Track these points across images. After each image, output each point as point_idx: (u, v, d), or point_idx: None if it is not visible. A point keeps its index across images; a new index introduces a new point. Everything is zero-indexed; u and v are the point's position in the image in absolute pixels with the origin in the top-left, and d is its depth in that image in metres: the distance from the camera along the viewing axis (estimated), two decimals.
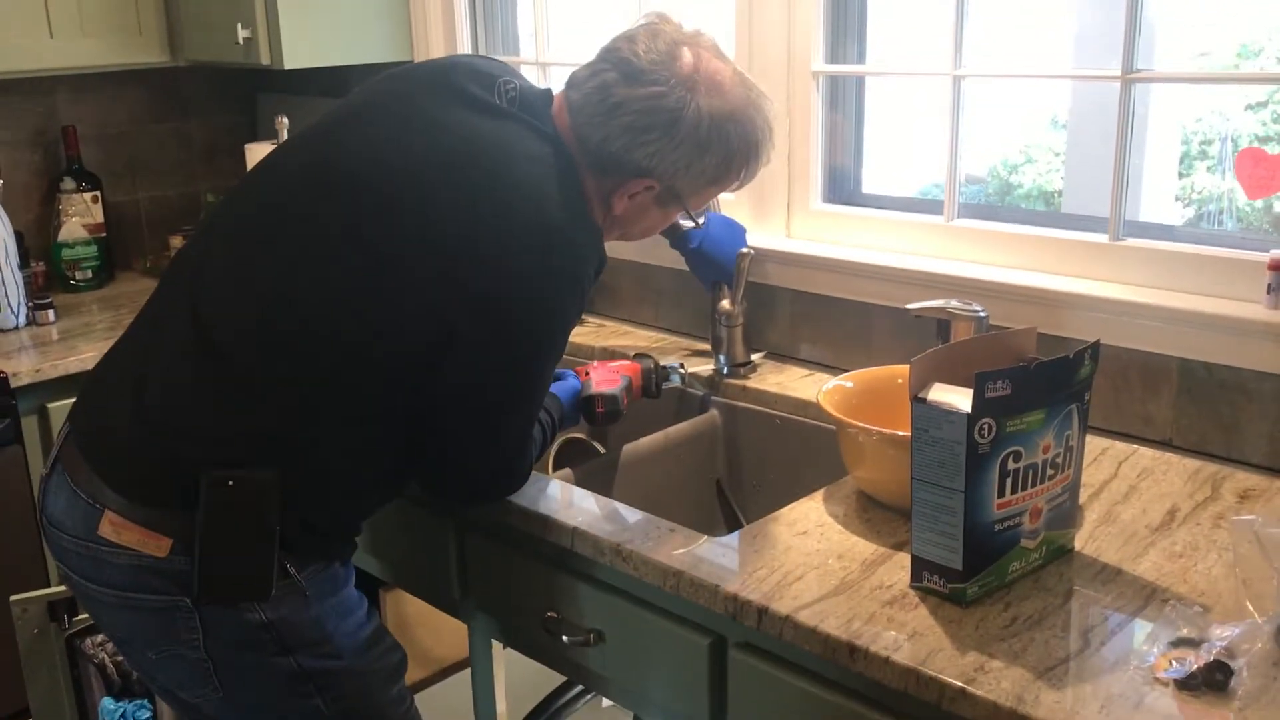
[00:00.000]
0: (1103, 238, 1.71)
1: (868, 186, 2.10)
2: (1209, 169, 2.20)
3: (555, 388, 1.70)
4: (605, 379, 1.77)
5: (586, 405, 1.73)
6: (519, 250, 1.34)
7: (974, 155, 2.30)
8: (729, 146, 1.44)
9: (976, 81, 1.89)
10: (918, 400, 1.22)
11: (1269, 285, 1.52)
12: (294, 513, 1.33)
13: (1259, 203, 1.71)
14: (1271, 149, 1.59)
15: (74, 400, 1.47)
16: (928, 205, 1.99)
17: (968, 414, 1.17)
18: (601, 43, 1.46)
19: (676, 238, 1.94)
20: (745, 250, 1.93)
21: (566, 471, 1.75)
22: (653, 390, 1.86)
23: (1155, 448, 1.63)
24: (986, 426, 1.18)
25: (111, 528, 1.31)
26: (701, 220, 1.63)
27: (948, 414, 1.19)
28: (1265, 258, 1.53)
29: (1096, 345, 1.28)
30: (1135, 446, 1.63)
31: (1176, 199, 2.25)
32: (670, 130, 1.40)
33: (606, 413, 1.74)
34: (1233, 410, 1.57)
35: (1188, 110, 2.25)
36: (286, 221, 1.39)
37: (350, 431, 1.37)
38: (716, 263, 1.95)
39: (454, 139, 1.38)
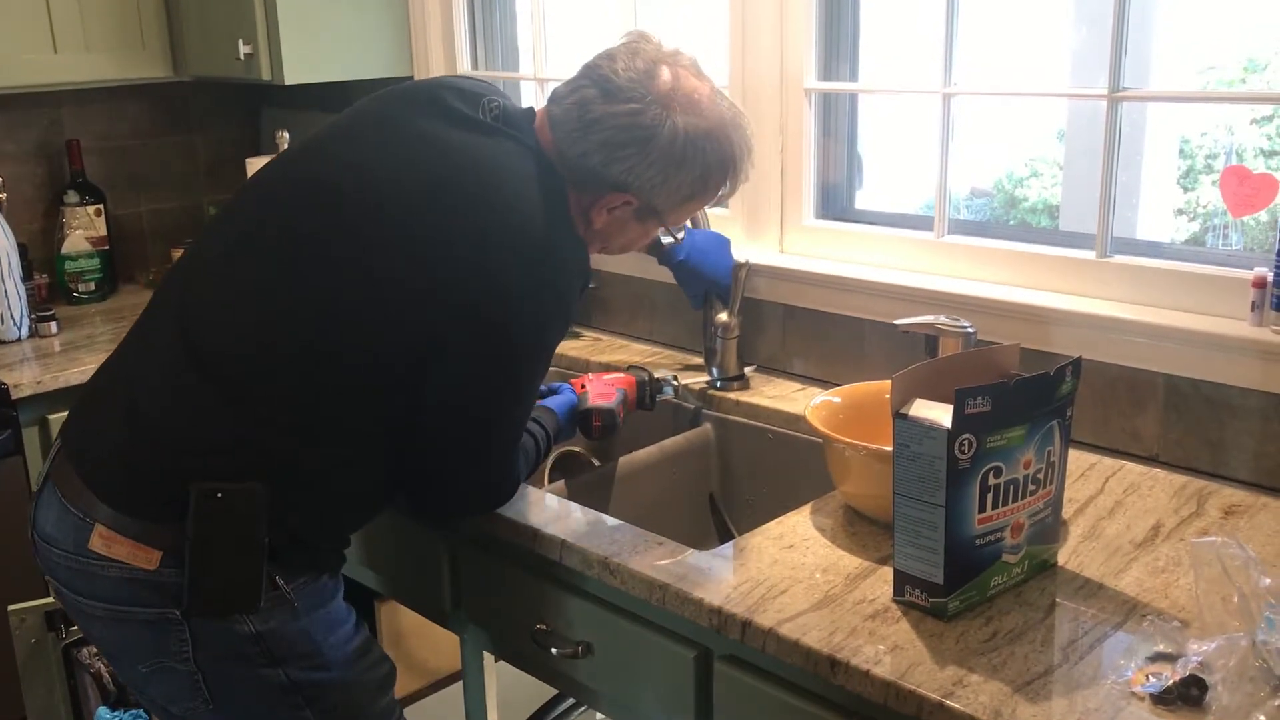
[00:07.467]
0: (1091, 254, 1.73)
1: (868, 203, 2.12)
2: (1213, 183, 2.20)
3: (551, 402, 1.72)
4: (601, 392, 1.79)
5: (584, 419, 1.75)
6: (505, 265, 1.36)
7: (980, 169, 2.30)
8: (705, 163, 1.46)
9: (977, 97, 1.90)
10: (899, 416, 1.24)
11: (1253, 302, 1.54)
12: (282, 525, 1.35)
13: (1263, 216, 1.71)
14: (1276, 163, 1.58)
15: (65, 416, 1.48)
16: (919, 221, 2.01)
17: (948, 429, 1.18)
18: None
19: (662, 253, 1.96)
20: (742, 262, 1.95)
21: (559, 484, 1.76)
22: (647, 403, 1.88)
23: (1142, 463, 1.64)
24: (967, 442, 1.19)
25: (102, 541, 1.33)
26: (681, 236, 1.65)
27: (928, 429, 1.20)
28: (1250, 275, 1.54)
29: (1078, 362, 1.29)
30: (1122, 462, 1.64)
31: (1180, 213, 2.25)
32: (645, 146, 1.42)
33: (603, 426, 1.75)
34: (1218, 426, 1.58)
35: (1192, 124, 2.25)
36: (273, 237, 1.41)
37: (338, 444, 1.38)
38: (703, 276, 1.97)
39: (440, 155, 1.40)
